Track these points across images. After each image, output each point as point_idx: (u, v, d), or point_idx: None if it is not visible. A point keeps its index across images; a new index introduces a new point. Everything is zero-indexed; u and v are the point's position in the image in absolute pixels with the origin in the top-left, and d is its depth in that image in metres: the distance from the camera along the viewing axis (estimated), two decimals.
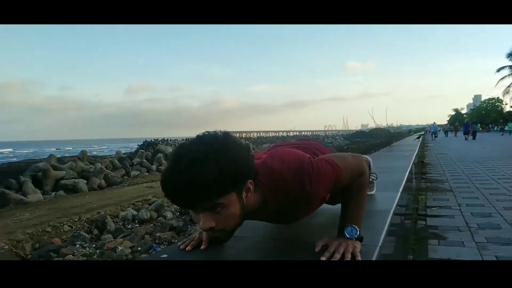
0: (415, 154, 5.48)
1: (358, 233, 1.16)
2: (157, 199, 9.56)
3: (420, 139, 15.55)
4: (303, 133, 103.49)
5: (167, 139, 31.16)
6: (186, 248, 1.19)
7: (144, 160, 16.38)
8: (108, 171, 13.67)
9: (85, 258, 6.36)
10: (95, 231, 8.52)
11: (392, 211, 1.62)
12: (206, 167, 0.90)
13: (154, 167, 15.61)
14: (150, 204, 9.43)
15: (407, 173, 3.04)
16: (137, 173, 14.54)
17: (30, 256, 6.91)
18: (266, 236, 1.34)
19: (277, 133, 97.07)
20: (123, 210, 9.18)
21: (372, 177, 2.13)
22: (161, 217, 8.46)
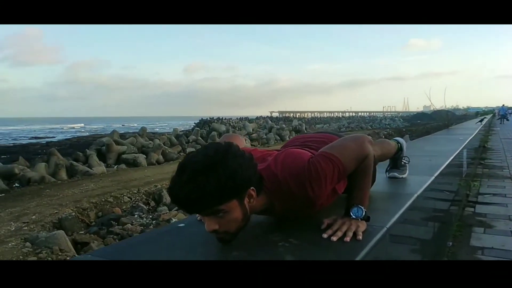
0: (470, 138, 5.18)
1: (363, 213, 1.19)
2: None
3: (483, 122, 14.59)
4: (359, 114, 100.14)
5: (222, 117, 31.86)
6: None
7: (200, 138, 16.98)
8: (166, 147, 14.33)
9: (142, 227, 6.86)
10: (152, 203, 9.09)
11: (416, 195, 1.61)
12: (206, 179, 0.98)
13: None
14: None
15: (452, 157, 2.92)
16: (192, 149, 15.12)
17: (94, 223, 7.59)
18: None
19: (332, 114, 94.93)
20: None
21: (404, 161, 2.10)
22: None
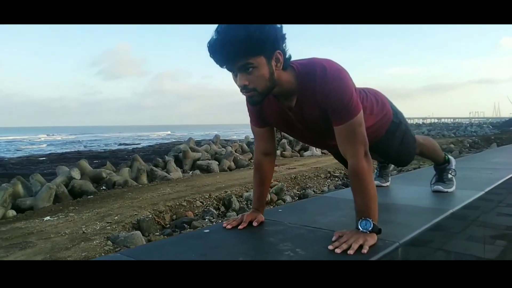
0: None
1: (371, 226, 1.22)
2: (278, 182, 10.05)
3: None
4: (442, 120, 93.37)
5: None
6: (227, 226, 1.43)
7: None
8: (237, 154, 14.79)
9: None
10: (222, 208, 9.45)
11: (450, 211, 1.56)
12: (236, 31, 1.17)
13: (278, 152, 16.33)
14: (271, 187, 9.99)
15: None
16: None
17: (168, 225, 8.12)
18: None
19: (412, 120, 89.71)
20: (247, 191, 9.92)
21: (451, 174, 2.03)
22: (280, 200, 8.91)
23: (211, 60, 1.25)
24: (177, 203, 9.18)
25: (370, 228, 1.23)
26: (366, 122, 1.50)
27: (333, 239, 1.23)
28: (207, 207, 9.36)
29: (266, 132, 1.56)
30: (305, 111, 1.37)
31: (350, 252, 1.14)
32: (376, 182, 2.15)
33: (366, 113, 1.50)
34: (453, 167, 2.04)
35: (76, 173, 9.42)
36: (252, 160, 15.29)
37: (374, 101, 1.62)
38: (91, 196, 9.01)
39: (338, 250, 1.16)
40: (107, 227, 7.27)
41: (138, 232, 6.40)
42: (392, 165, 2.19)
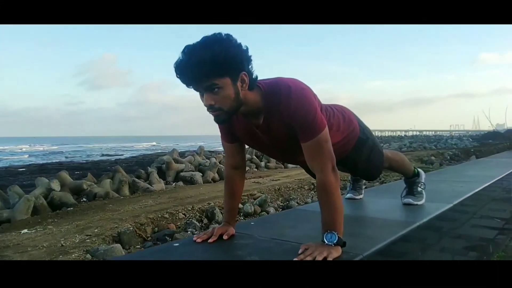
0: None
1: (336, 238, 1.26)
2: (261, 194, 10.06)
3: None
4: (424, 132, 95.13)
5: None
6: (197, 240, 1.45)
7: (254, 157, 17.24)
8: (221, 165, 14.75)
9: None
10: (205, 220, 9.40)
11: (417, 224, 1.62)
12: (201, 53, 1.21)
13: (263, 163, 16.35)
14: (255, 199, 9.97)
15: (489, 184, 2.80)
16: (247, 168, 15.41)
17: (150, 238, 8.04)
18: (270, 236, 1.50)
19: (394, 132, 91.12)
20: None
21: (421, 187, 2.10)
22: (264, 212, 8.91)
23: None
24: (159, 215, 9.08)
25: (335, 241, 1.26)
26: (333, 138, 1.55)
27: (299, 251, 1.26)
28: (190, 219, 9.29)
29: (235, 147, 1.60)
30: (272, 128, 1.41)
31: None
32: (349, 195, 2.21)
33: (333, 130, 1.56)
34: (423, 180, 2.10)
35: (56, 185, 9.26)
36: None
37: (341, 117, 1.67)
38: (71, 208, 8.85)
39: None
40: (87, 240, 7.15)
41: (118, 245, 6.30)
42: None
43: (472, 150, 20.93)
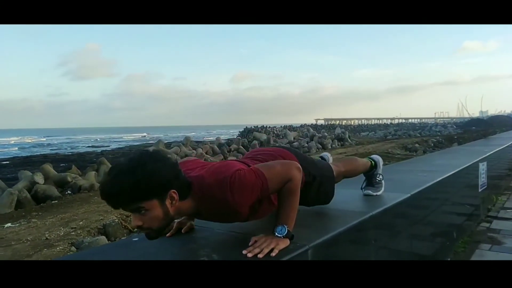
0: (497, 149, 4.98)
1: (286, 231, 1.34)
2: None
3: None
4: (409, 120, 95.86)
5: (266, 126, 32.16)
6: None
7: (241, 147, 17.37)
8: (208, 156, 14.82)
9: None
10: None
11: (368, 215, 1.70)
12: (125, 178, 1.19)
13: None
14: None
15: (450, 174, 2.92)
16: (233, 158, 15.51)
17: (135, 229, 8.09)
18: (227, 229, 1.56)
19: (381, 120, 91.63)
20: None
21: (378, 178, 2.19)
22: None
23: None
24: None
25: (284, 234, 1.35)
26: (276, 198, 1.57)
27: (250, 243, 1.34)
28: None
29: None
30: (217, 218, 1.47)
31: (260, 255, 1.25)
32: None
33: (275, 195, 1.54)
34: (380, 172, 2.19)
35: (39, 178, 9.22)
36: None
37: None
38: (56, 201, 8.83)
39: (249, 254, 1.27)
40: (72, 233, 7.16)
41: (103, 237, 6.34)
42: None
43: (455, 137, 21.32)
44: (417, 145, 17.39)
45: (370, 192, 2.15)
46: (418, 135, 30.59)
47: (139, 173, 1.19)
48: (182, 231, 1.57)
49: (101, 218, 7.86)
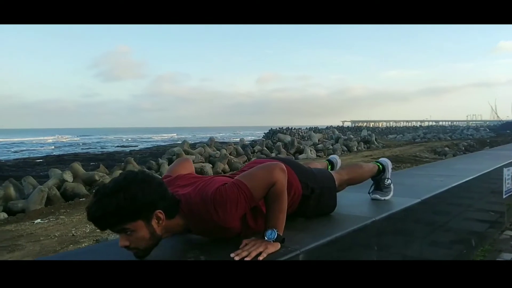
0: None
1: (275, 235, 1.32)
2: None
3: None
4: (440, 122, 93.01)
5: (292, 127, 32.00)
6: None
7: (265, 148, 17.34)
8: (232, 157, 14.90)
9: None
10: None
11: (372, 220, 1.66)
12: (108, 201, 1.19)
13: (273, 155, 16.43)
14: None
15: (469, 179, 2.80)
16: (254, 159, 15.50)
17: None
18: None
19: (409, 123, 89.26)
20: None
21: (387, 182, 2.13)
22: None
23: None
24: None
25: (274, 238, 1.33)
26: None
27: (240, 246, 1.33)
28: None
29: None
30: (206, 234, 1.46)
31: (247, 258, 1.24)
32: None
33: None
34: (389, 176, 2.13)
35: (68, 176, 9.53)
36: (246, 163, 15.42)
37: None
38: (83, 199, 9.11)
39: (236, 258, 1.25)
40: (97, 230, 7.37)
41: None
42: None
43: (488, 140, 20.56)
44: (447, 148, 16.86)
45: (377, 196, 2.09)
46: (449, 138, 29.68)
47: (121, 196, 1.19)
48: None
49: None
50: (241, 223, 1.42)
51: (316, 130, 32.39)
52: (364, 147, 19.78)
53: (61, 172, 9.77)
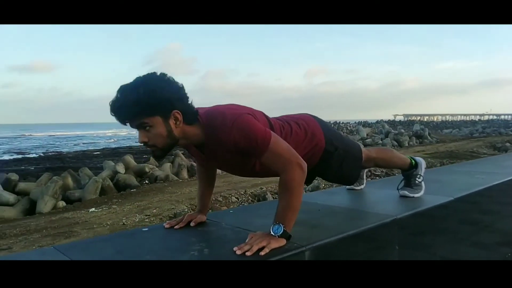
0: None
1: (282, 230, 1.30)
2: (315, 180, 10.02)
3: None
4: (502, 116, 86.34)
5: (339, 121, 31.28)
6: (165, 226, 1.57)
7: None
8: None
9: None
10: None
11: (393, 218, 1.58)
12: (128, 93, 1.27)
13: None
14: (307, 185, 9.94)
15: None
16: None
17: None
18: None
19: (467, 117, 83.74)
20: None
21: (418, 179, 2.02)
22: None
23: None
24: (213, 198, 9.50)
25: (280, 233, 1.30)
26: None
27: (246, 240, 1.33)
28: (242, 203, 9.61)
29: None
30: (218, 155, 1.48)
31: (248, 253, 1.23)
32: (349, 186, 2.19)
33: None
34: (421, 173, 2.02)
35: (121, 168, 10.04)
36: None
37: (302, 134, 1.64)
38: (134, 190, 9.57)
39: (238, 251, 1.25)
40: (145, 220, 7.72)
41: None
42: (366, 168, 2.20)
43: None
44: (508, 144, 15.68)
45: (406, 193, 1.99)
46: (511, 133, 27.55)
47: (141, 90, 1.27)
48: (191, 224, 1.61)
49: (172, 207, 8.35)
50: (248, 160, 1.44)
51: (365, 124, 31.43)
52: (416, 142, 18.87)
53: (114, 164, 10.31)
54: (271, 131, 1.41)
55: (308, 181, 1.81)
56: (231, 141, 1.37)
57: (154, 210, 8.10)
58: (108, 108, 1.31)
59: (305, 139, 1.65)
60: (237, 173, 1.66)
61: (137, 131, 1.35)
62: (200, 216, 1.67)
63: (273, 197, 9.34)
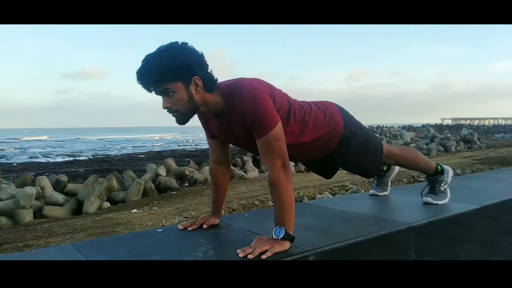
0: None
1: (283, 233, 1.30)
2: (353, 186, 9.83)
3: None
4: None
5: (383, 125, 30.41)
6: (179, 227, 1.62)
7: None
8: None
9: None
10: None
11: (408, 225, 1.53)
12: (152, 59, 1.36)
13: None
14: (346, 190, 9.79)
15: None
16: None
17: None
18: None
19: None
20: (320, 193, 9.87)
21: (443, 186, 1.94)
22: None
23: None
24: (250, 202, 9.56)
25: (282, 236, 1.31)
26: (310, 135, 1.58)
27: (251, 244, 1.34)
28: None
29: (217, 143, 1.71)
30: (233, 127, 1.51)
31: (250, 256, 1.25)
32: (372, 191, 2.16)
33: (308, 127, 1.58)
34: (447, 179, 1.93)
35: (162, 170, 10.36)
36: None
37: (321, 114, 1.66)
38: (174, 192, 9.85)
39: (241, 254, 1.27)
40: (184, 221, 7.94)
41: None
42: (392, 175, 2.15)
43: None
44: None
45: (429, 199, 1.92)
46: None
47: (163, 56, 1.35)
48: (204, 226, 1.65)
49: (210, 210, 8.53)
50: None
51: (410, 128, 30.33)
52: (464, 147, 17.92)
53: (156, 167, 10.65)
54: (280, 122, 1.45)
55: (329, 174, 1.83)
56: (242, 110, 1.43)
57: (193, 213, 8.29)
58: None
59: (324, 120, 1.68)
60: (247, 149, 1.71)
61: (161, 99, 1.43)
62: (213, 219, 1.71)
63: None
